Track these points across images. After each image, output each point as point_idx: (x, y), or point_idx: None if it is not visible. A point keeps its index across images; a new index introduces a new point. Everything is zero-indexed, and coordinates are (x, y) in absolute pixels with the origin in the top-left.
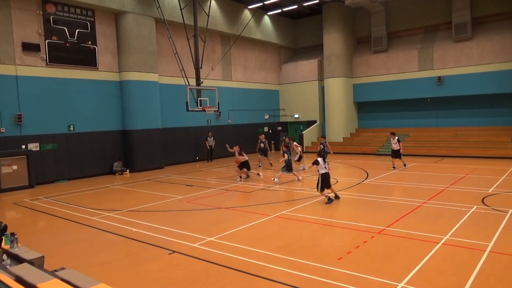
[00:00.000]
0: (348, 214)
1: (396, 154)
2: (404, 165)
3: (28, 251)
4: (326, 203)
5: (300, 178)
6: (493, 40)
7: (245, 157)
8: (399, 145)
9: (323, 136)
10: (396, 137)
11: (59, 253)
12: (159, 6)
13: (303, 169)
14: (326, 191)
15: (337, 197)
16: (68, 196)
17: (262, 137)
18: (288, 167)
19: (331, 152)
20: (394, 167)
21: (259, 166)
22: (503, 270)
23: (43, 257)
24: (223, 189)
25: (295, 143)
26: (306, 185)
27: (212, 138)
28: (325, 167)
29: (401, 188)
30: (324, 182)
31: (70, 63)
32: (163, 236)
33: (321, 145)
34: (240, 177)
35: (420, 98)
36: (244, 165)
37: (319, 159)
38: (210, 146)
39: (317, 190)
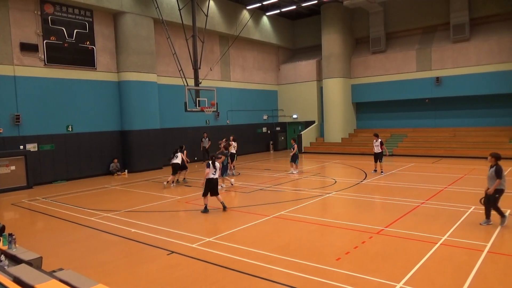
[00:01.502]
0: (346, 214)
1: (376, 157)
2: (381, 172)
3: (26, 252)
4: (202, 211)
5: (232, 181)
6: (491, 40)
7: (177, 161)
8: (382, 148)
9: (294, 139)
10: (379, 140)
11: (57, 254)
12: (158, 6)
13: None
14: (211, 198)
15: (224, 208)
16: (67, 197)
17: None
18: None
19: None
20: (375, 170)
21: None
22: (501, 271)
23: (41, 257)
24: (221, 190)
25: (232, 142)
26: (304, 186)
27: (207, 139)
28: (213, 173)
29: (399, 189)
30: (210, 187)
31: (68, 63)
32: (161, 236)
33: (291, 149)
34: (172, 182)
35: (418, 98)
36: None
37: (210, 163)
38: (204, 147)
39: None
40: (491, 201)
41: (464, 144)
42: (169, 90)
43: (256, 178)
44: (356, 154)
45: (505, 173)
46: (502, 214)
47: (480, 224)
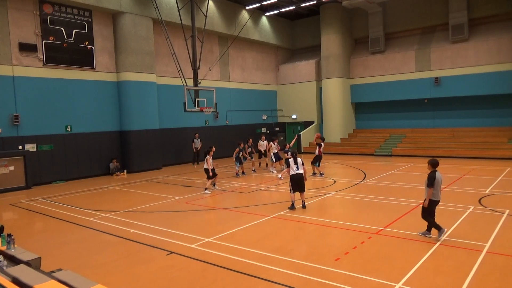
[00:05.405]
0: (345, 214)
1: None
2: (321, 173)
3: (25, 252)
4: (290, 208)
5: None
6: (490, 41)
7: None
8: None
9: (206, 151)
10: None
11: (56, 254)
12: (157, 6)
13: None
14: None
15: (303, 206)
16: (65, 197)
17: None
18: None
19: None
20: (322, 174)
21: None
22: (500, 270)
23: (40, 258)
24: (220, 190)
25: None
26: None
27: (199, 140)
28: (296, 168)
29: (398, 189)
30: (294, 183)
31: (67, 63)
32: (160, 237)
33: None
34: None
35: (417, 99)
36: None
37: (290, 160)
38: (196, 148)
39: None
40: (426, 213)
41: (463, 144)
42: (168, 90)
43: (256, 178)
44: (355, 154)
45: (440, 181)
46: (437, 228)
47: (418, 234)
